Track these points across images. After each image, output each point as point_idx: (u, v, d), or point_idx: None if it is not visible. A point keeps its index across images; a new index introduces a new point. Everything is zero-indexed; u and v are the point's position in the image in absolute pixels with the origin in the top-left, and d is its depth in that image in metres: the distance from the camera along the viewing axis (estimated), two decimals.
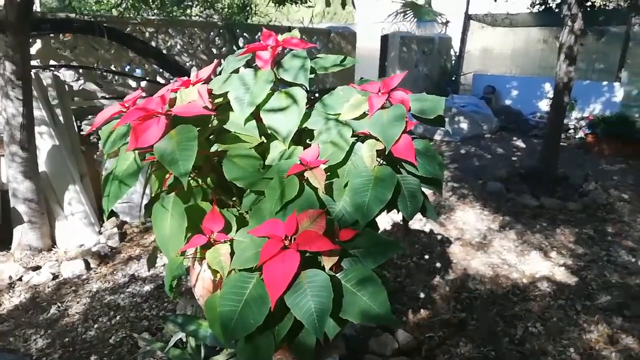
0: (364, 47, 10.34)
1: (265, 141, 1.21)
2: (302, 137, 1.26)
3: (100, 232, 3.53)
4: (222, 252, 0.98)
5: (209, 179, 1.17)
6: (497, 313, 2.63)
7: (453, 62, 9.24)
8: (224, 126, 1.15)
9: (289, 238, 0.94)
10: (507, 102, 8.44)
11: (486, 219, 3.93)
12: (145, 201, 3.65)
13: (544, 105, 7.64)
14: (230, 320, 0.90)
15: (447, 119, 6.88)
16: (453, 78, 8.77)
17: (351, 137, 1.11)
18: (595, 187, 4.47)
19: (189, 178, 1.15)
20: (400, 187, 1.09)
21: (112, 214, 3.80)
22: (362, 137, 1.13)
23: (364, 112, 1.14)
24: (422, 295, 2.80)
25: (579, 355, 2.30)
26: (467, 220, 3.90)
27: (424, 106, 1.18)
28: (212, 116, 1.17)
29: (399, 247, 1.04)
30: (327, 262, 0.96)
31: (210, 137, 1.21)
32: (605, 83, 7.35)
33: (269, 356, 0.96)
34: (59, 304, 2.74)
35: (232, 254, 1.00)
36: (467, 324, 2.54)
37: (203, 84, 1.17)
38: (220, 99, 1.22)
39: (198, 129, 1.00)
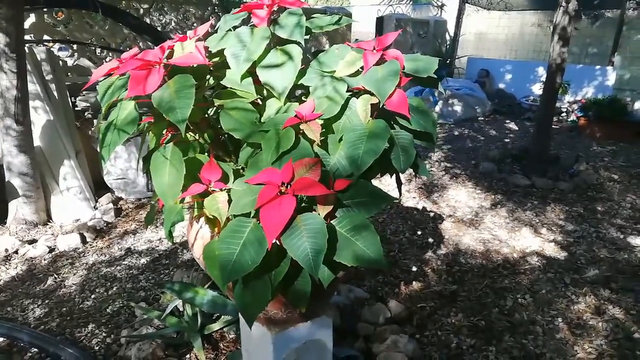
0: (359, 30, 10.31)
1: (260, 102, 1.23)
2: (298, 97, 1.28)
3: (95, 208, 3.55)
4: (220, 199, 1.01)
5: (205, 135, 1.19)
6: (488, 285, 2.69)
7: (448, 45, 9.23)
8: (221, 82, 1.17)
9: (285, 185, 0.96)
10: (501, 85, 8.47)
11: (478, 197, 3.98)
12: (140, 177, 3.64)
13: (537, 89, 7.67)
14: (228, 262, 0.93)
15: (440, 101, 6.90)
16: (447, 61, 8.77)
17: (346, 92, 1.13)
18: (586, 167, 4.53)
19: (187, 133, 1.17)
20: (393, 141, 1.11)
21: (107, 189, 3.82)
22: (357, 93, 1.16)
23: (359, 69, 1.16)
24: (414, 268, 2.85)
25: (567, 325, 2.36)
26: (460, 199, 3.95)
27: (418, 65, 1.20)
28: (209, 72, 1.19)
29: (391, 198, 1.07)
30: (322, 210, 0.99)
31: (206, 94, 1.23)
32: (598, 67, 7.39)
33: (266, 300, 0.99)
34: (56, 276, 2.77)
35: (229, 202, 1.03)
36: (458, 296, 2.60)
37: (199, 40, 1.18)
38: (217, 58, 1.23)
39: (196, 84, 1.01)
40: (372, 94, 1.12)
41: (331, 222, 1.00)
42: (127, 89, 1.01)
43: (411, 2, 8.93)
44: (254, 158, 1.09)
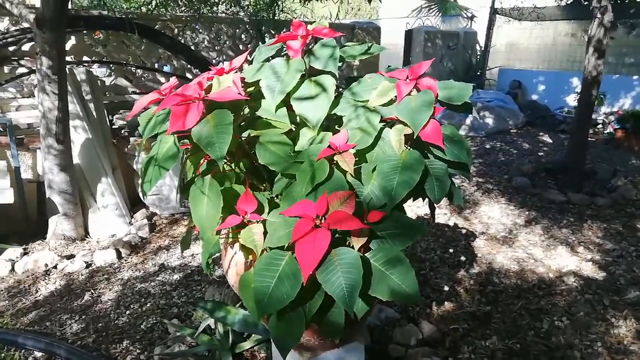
0: (388, 43, 10.31)
1: (294, 129, 1.25)
2: (331, 124, 1.30)
3: (130, 223, 3.64)
4: (255, 231, 1.03)
5: (241, 164, 1.22)
6: (523, 307, 2.63)
7: (478, 57, 9.14)
8: (256, 113, 1.19)
9: (320, 218, 0.97)
10: (534, 97, 8.31)
11: (512, 214, 3.90)
12: (174, 193, 3.73)
13: (572, 100, 7.50)
14: (264, 295, 0.94)
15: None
16: (478, 73, 8.67)
17: (379, 122, 1.14)
18: (625, 182, 4.39)
19: (223, 162, 1.20)
20: (427, 172, 1.11)
21: (142, 205, 3.91)
22: (390, 123, 1.16)
23: (392, 99, 1.17)
24: (446, 288, 2.81)
25: (606, 350, 2.28)
26: (493, 215, 3.88)
27: (451, 93, 1.20)
28: (245, 103, 1.22)
29: (424, 230, 1.07)
30: (357, 242, 0.99)
31: (242, 124, 1.26)
32: (635, 77, 7.17)
33: (300, 331, 1.00)
34: (92, 291, 2.84)
35: (264, 234, 1.04)
36: (492, 317, 2.54)
37: (236, 72, 1.21)
38: (252, 87, 1.26)
39: (232, 114, 1.04)
40: (405, 124, 1.12)
41: (365, 254, 1.00)
42: (167, 122, 1.04)
43: (440, 14, 8.89)
44: (288, 189, 1.11)
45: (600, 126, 6.91)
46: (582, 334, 2.39)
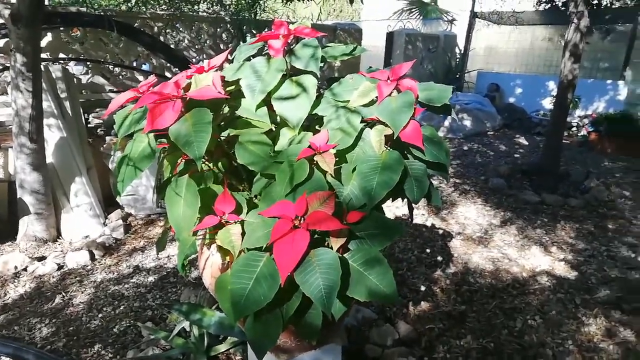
0: (369, 44, 10.36)
1: (274, 128, 1.24)
2: (311, 124, 1.29)
3: (105, 224, 3.57)
4: (233, 232, 1.02)
5: (220, 164, 1.20)
6: (497, 306, 2.66)
7: (458, 60, 9.25)
8: (236, 112, 1.18)
9: (299, 218, 0.97)
10: (511, 100, 8.45)
11: (487, 214, 3.96)
12: (150, 194, 3.67)
13: (548, 103, 7.66)
14: (241, 297, 0.93)
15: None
16: (457, 76, 8.78)
17: (360, 123, 1.14)
18: (597, 184, 4.50)
19: (202, 162, 1.18)
20: (407, 172, 1.12)
21: (117, 206, 3.84)
22: (371, 123, 1.16)
23: (373, 99, 1.17)
24: (422, 288, 2.83)
25: (577, 347, 2.32)
26: (469, 215, 3.93)
27: (431, 95, 1.21)
28: (224, 103, 1.20)
29: (402, 230, 1.07)
30: (335, 243, 0.99)
31: (221, 124, 1.24)
32: (609, 81, 7.36)
33: (277, 333, 0.99)
34: (64, 294, 2.78)
35: (242, 234, 1.03)
36: (467, 317, 2.57)
37: (216, 71, 1.20)
38: (232, 86, 1.25)
39: (212, 113, 1.03)
40: (386, 125, 1.13)
41: (344, 255, 1.00)
42: (144, 121, 1.02)
43: (421, 17, 8.98)
44: (268, 189, 1.10)
45: (574, 129, 7.07)
46: (554, 332, 2.44)
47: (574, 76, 4.28)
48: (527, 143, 6.53)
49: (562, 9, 6.34)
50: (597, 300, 2.71)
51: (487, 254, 3.26)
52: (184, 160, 1.21)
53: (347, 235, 1.00)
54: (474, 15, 8.91)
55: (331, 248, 0.98)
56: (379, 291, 0.94)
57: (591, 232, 3.60)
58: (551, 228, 3.68)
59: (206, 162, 1.19)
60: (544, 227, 3.71)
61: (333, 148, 1.11)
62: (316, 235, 1.03)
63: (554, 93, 4.55)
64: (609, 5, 5.35)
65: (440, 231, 3.63)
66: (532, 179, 4.67)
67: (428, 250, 3.30)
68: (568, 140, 6.53)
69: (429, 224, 3.76)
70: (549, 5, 6.71)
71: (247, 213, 1.09)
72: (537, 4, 7.09)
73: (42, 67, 3.18)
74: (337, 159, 1.13)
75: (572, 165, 5.33)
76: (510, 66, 9.31)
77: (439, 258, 3.19)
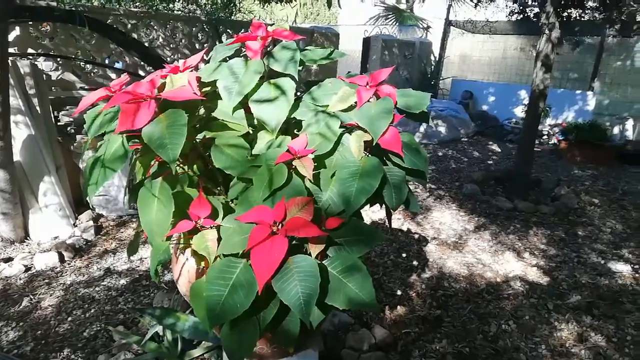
0: (346, 49, 10.41)
1: (252, 132, 1.22)
2: (290, 128, 1.27)
3: (75, 225, 3.47)
4: (209, 237, 0.99)
5: (195, 166, 1.17)
6: (472, 311, 2.69)
7: (433, 66, 9.37)
8: (212, 114, 1.15)
9: (277, 224, 0.94)
10: (484, 107, 8.60)
11: (462, 220, 4.00)
12: (122, 195, 3.58)
13: (520, 111, 7.81)
14: (216, 305, 0.90)
15: None
16: (432, 82, 8.89)
17: (339, 128, 1.13)
18: (567, 191, 4.60)
19: (176, 165, 1.15)
20: (386, 178, 1.11)
21: (88, 206, 3.74)
22: (350, 129, 1.15)
23: (352, 105, 1.16)
24: (399, 292, 2.84)
25: (550, 352, 2.36)
26: (444, 221, 3.97)
27: (409, 101, 1.21)
28: (200, 104, 1.17)
29: (381, 237, 1.06)
30: (314, 249, 0.97)
31: (197, 126, 1.21)
32: (578, 92, 7.57)
33: (254, 342, 0.97)
34: (32, 296, 2.68)
35: (218, 240, 1.00)
36: (442, 321, 2.58)
37: (191, 71, 1.17)
38: (209, 88, 1.22)
39: (187, 115, 1.00)
40: (365, 131, 1.12)
41: (323, 262, 0.98)
42: (116, 121, 0.99)
43: (397, 24, 9.06)
44: (245, 193, 1.07)
45: (545, 137, 7.24)
46: (527, 337, 2.48)
47: (545, 86, 4.37)
48: (499, 150, 6.65)
49: (534, 20, 6.49)
50: (569, 306, 2.77)
51: (462, 259, 3.29)
52: (157, 163, 1.17)
53: (326, 241, 0.98)
54: (448, 24, 9.04)
55: (310, 255, 0.96)
56: (358, 299, 0.93)
57: (562, 239, 3.68)
58: (524, 234, 3.75)
59: (181, 165, 1.16)
60: (517, 233, 3.77)
61: (312, 153, 1.09)
62: (294, 242, 1.01)
63: (526, 101, 4.64)
64: (578, 18, 5.51)
65: (416, 236, 3.65)
66: (505, 185, 4.75)
67: (404, 255, 3.32)
68: (539, 148, 6.68)
69: (405, 228, 3.77)
70: (522, 16, 6.86)
71: (223, 218, 1.06)
72: (510, 15, 7.24)
73: (9, 62, 3.07)
74: (316, 164, 1.11)
75: (543, 172, 5.45)
76: (483, 74, 9.48)
77: (415, 263, 3.21)
